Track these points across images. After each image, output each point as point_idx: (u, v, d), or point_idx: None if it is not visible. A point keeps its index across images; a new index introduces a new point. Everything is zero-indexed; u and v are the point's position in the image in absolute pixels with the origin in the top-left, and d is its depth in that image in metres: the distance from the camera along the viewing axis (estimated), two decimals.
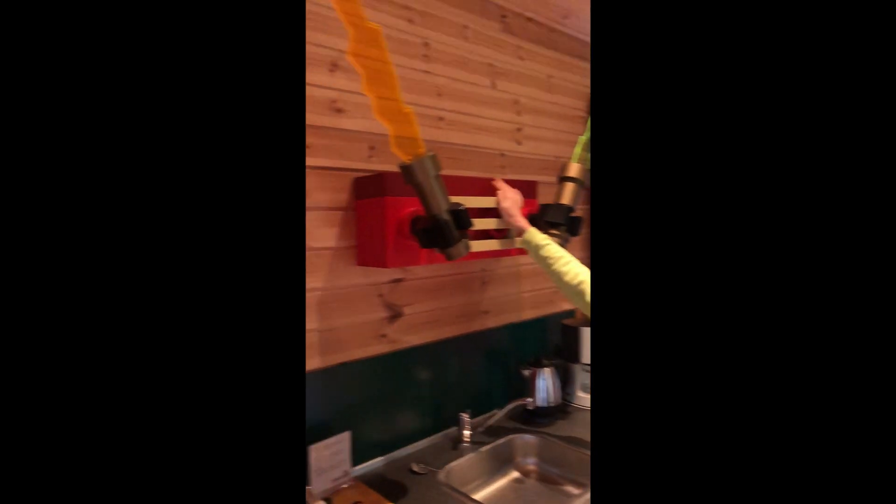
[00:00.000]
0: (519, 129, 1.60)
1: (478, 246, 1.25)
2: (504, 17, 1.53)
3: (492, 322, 1.53)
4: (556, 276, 1.09)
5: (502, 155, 1.54)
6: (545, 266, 1.12)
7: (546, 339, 1.71)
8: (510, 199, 1.22)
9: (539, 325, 1.68)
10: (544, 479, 1.31)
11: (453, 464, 1.21)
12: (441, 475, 1.16)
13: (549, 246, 1.12)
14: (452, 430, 1.38)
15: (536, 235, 1.14)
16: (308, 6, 1.09)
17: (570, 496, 1.08)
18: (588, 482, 1.12)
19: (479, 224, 1.24)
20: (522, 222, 1.19)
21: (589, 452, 1.24)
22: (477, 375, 1.48)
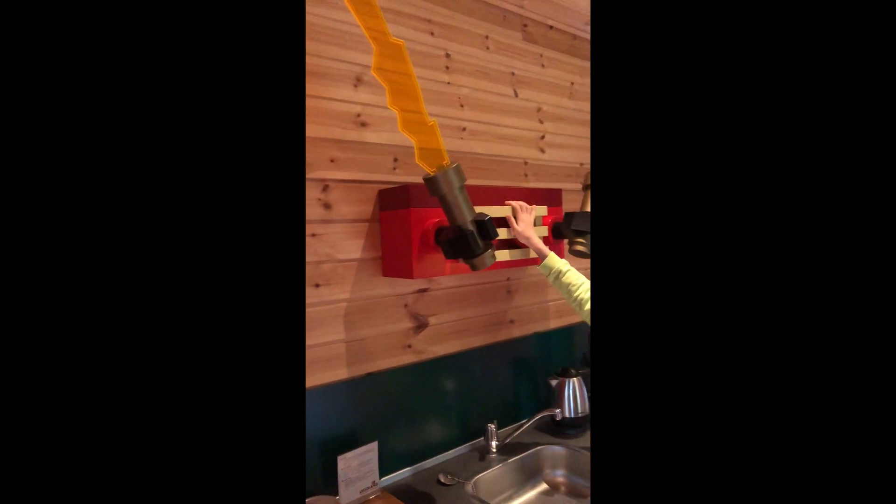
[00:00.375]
0: (542, 137, 1.59)
1: (503, 255, 1.25)
2: (525, 26, 1.53)
3: (518, 332, 1.52)
4: (578, 304, 1.10)
5: (526, 163, 1.54)
6: (566, 293, 1.12)
7: (573, 349, 1.68)
8: (523, 223, 1.21)
9: (566, 335, 1.66)
10: (573, 491, 1.28)
11: (481, 475, 1.20)
12: (469, 487, 1.15)
13: (569, 272, 1.12)
14: (479, 440, 1.37)
15: (556, 261, 1.14)
16: (332, 24, 1.12)
17: None
18: None
19: (503, 234, 1.23)
20: (540, 245, 1.18)
21: None
22: (503, 385, 1.47)
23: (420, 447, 1.27)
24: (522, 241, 1.20)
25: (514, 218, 1.22)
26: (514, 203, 1.24)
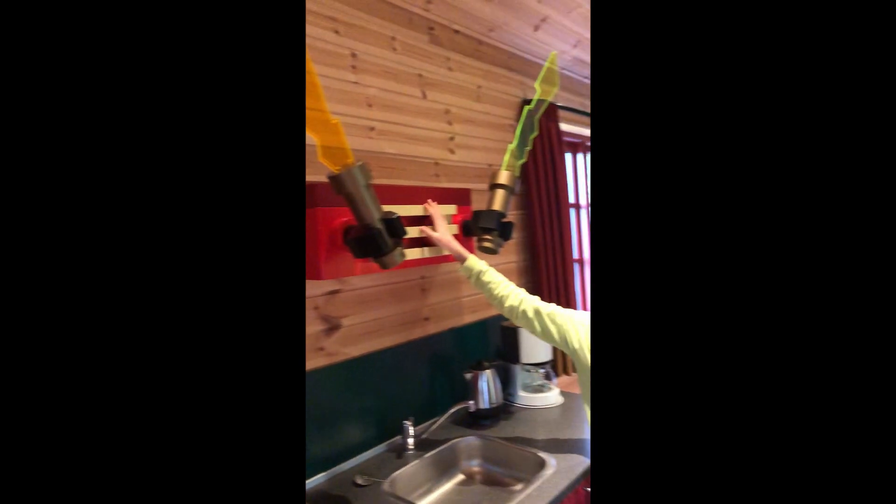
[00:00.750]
0: (451, 139, 1.63)
1: (415, 254, 1.27)
2: (431, 28, 1.56)
3: (433, 328, 1.55)
4: (498, 300, 1.20)
5: (436, 164, 1.57)
6: (487, 291, 1.21)
7: (487, 342, 1.74)
8: (441, 228, 1.27)
9: (480, 329, 1.71)
10: (488, 479, 1.33)
11: (398, 473, 1.21)
12: (385, 485, 1.16)
13: (489, 271, 1.22)
14: (397, 439, 1.38)
15: (476, 262, 1.23)
16: None
17: (512, 493, 1.11)
18: (529, 476, 1.15)
19: (415, 232, 1.25)
20: (460, 249, 1.25)
21: (530, 449, 1.28)
22: (420, 383, 1.49)
23: (336, 451, 1.25)
24: (444, 248, 1.26)
25: (433, 226, 1.27)
26: (430, 210, 1.28)
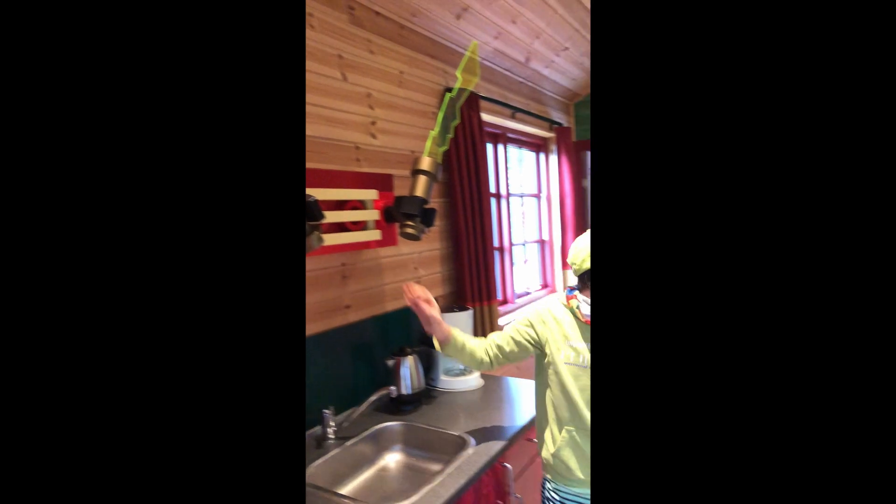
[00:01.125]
0: (373, 123, 1.61)
1: (336, 239, 1.24)
2: (352, 8, 1.52)
3: (354, 316, 1.53)
4: (479, 363, 1.22)
5: (357, 148, 1.54)
6: (469, 359, 1.22)
7: (410, 329, 1.75)
8: (434, 309, 1.21)
9: (402, 316, 1.72)
10: (410, 463, 1.35)
11: (318, 462, 1.19)
12: (305, 476, 1.13)
13: (468, 340, 1.22)
14: (316, 429, 1.35)
15: (459, 335, 1.21)
16: None
17: (433, 474, 1.13)
18: (449, 459, 1.18)
19: (334, 217, 1.22)
20: (447, 329, 1.21)
21: (451, 431, 1.31)
22: (341, 371, 1.47)
23: None
24: (433, 324, 1.21)
25: (427, 304, 1.21)
26: (412, 291, 1.24)
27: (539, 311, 1.20)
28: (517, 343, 1.19)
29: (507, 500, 1.28)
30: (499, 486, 1.26)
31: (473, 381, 1.66)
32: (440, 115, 1.39)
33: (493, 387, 1.66)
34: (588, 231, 1.13)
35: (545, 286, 3.10)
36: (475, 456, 1.17)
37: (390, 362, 1.50)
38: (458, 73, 1.41)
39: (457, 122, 1.42)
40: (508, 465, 1.27)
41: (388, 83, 1.67)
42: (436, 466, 1.30)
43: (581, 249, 1.09)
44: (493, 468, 1.22)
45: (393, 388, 1.43)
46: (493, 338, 1.23)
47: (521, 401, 1.51)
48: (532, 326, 1.19)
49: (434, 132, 1.38)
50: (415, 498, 1.01)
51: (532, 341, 1.19)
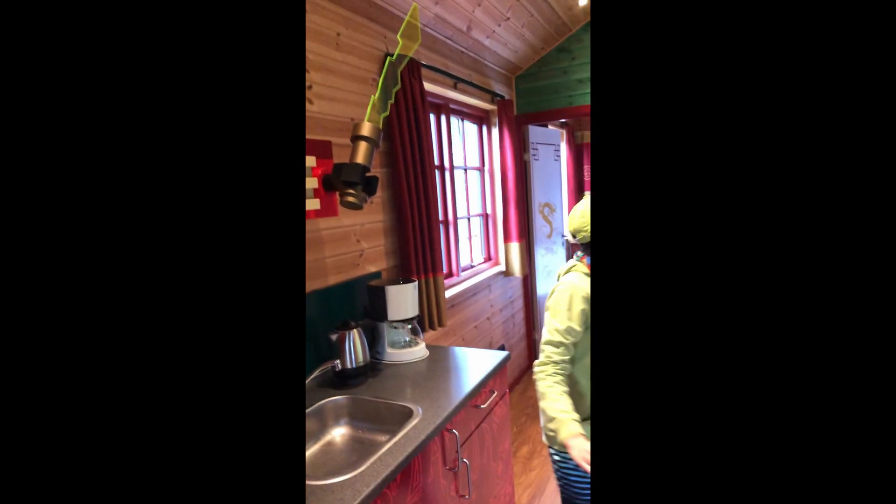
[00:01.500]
0: (309, 87, 1.52)
1: None
2: None
3: None
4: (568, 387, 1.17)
5: None
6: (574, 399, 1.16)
7: (353, 303, 1.71)
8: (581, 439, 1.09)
9: (345, 289, 1.67)
10: (356, 436, 1.33)
11: None
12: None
13: (560, 404, 1.13)
14: None
15: (564, 416, 1.12)
16: None
17: (380, 444, 1.12)
18: (396, 429, 1.17)
19: None
20: (573, 429, 1.10)
21: (397, 402, 1.30)
22: None
23: None
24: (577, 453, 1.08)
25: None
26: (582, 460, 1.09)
27: (571, 298, 1.16)
28: (567, 347, 1.17)
29: (455, 465, 1.30)
30: (446, 453, 1.27)
31: (419, 352, 1.65)
32: (381, 79, 1.34)
33: (438, 357, 1.66)
34: (585, 197, 1.15)
35: (488, 259, 3.14)
36: (422, 424, 1.17)
37: (334, 336, 1.46)
38: (399, 37, 1.36)
39: (398, 87, 1.38)
40: (455, 432, 1.28)
41: (325, 45, 1.59)
42: (383, 437, 1.29)
43: (583, 213, 1.11)
44: (441, 435, 1.23)
45: (337, 361, 1.40)
46: (550, 357, 1.17)
47: (467, 369, 1.52)
48: (571, 320, 1.16)
49: (375, 97, 1.32)
50: (363, 468, 1.00)
51: (579, 331, 1.17)
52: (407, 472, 1.08)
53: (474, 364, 1.55)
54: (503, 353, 1.62)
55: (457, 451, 1.30)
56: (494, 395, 1.55)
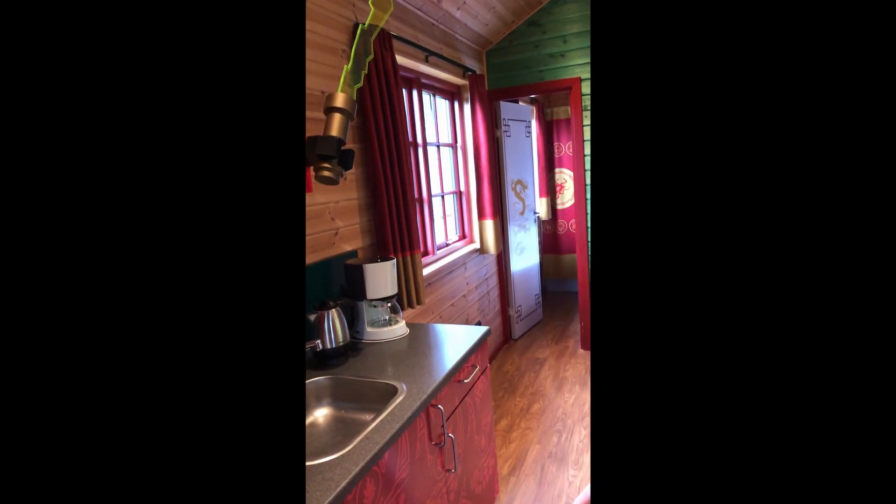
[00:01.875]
0: None
1: None
2: None
3: None
4: None
5: None
6: None
7: (330, 282, 1.67)
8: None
9: (322, 269, 1.63)
10: (340, 416, 1.31)
11: None
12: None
13: None
14: None
15: None
16: None
17: (365, 423, 1.11)
18: (381, 407, 1.16)
19: None
20: None
21: (380, 380, 1.29)
22: None
23: None
24: None
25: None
26: None
27: None
28: None
29: (440, 440, 1.30)
30: (432, 428, 1.27)
31: (399, 329, 1.64)
32: (353, 49, 1.28)
33: (418, 334, 1.65)
34: None
35: (463, 237, 3.12)
36: (407, 401, 1.16)
37: (312, 317, 1.42)
38: (371, 4, 1.30)
39: (371, 57, 1.32)
40: (441, 407, 1.28)
41: None
42: (367, 416, 1.27)
43: None
44: (426, 411, 1.23)
45: (317, 341, 1.36)
46: None
47: (448, 345, 1.52)
48: None
49: (347, 67, 1.27)
50: (351, 446, 0.98)
51: None
52: (395, 450, 1.07)
53: (455, 340, 1.55)
54: (484, 328, 1.62)
55: (442, 426, 1.30)
56: (476, 369, 1.56)
